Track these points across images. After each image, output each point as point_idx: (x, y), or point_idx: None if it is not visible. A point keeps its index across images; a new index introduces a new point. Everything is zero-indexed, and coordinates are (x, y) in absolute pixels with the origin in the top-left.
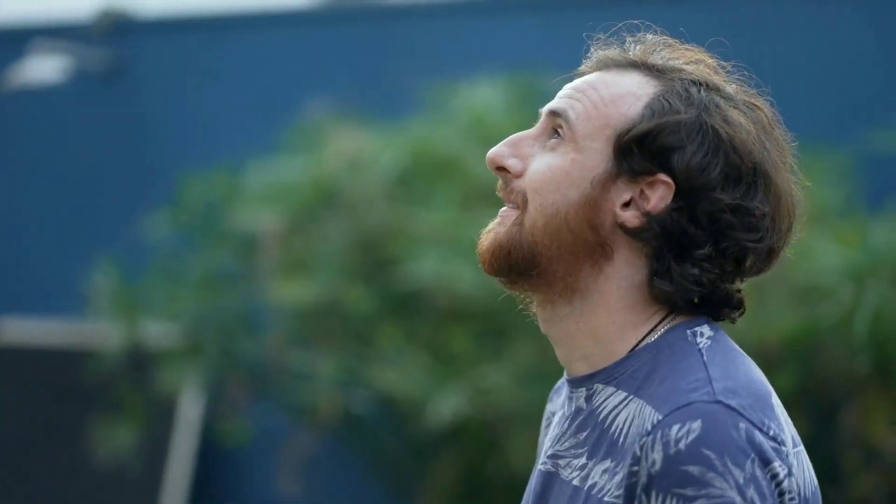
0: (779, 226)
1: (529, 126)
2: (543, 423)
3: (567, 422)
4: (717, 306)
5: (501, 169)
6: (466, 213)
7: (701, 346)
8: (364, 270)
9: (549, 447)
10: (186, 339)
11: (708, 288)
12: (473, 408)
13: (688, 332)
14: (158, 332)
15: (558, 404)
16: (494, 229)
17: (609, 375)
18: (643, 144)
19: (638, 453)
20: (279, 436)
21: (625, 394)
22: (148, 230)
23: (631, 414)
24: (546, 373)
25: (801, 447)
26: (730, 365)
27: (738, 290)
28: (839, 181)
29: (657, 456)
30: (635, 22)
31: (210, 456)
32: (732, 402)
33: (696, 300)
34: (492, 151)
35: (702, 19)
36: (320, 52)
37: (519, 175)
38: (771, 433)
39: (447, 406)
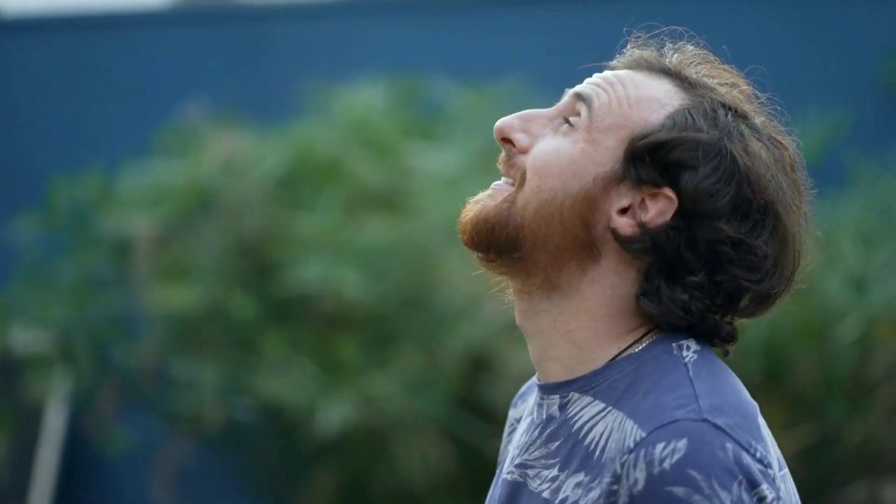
0: (781, 271)
1: (412, 129)
2: (506, 430)
3: (537, 430)
4: (703, 336)
5: (507, 141)
6: (350, 217)
7: (687, 360)
8: (245, 276)
9: (517, 455)
10: (56, 345)
11: (695, 317)
12: (360, 416)
13: (673, 345)
14: (27, 338)
15: (524, 410)
16: (483, 201)
17: (586, 384)
18: (656, 154)
19: (619, 471)
20: (155, 446)
21: (603, 404)
22: (15, 233)
23: (609, 426)
24: (433, 380)
25: (787, 470)
26: (716, 381)
27: (730, 323)
28: None
29: (640, 475)
30: (678, 28)
31: (80, 466)
32: (719, 421)
33: (681, 326)
34: (502, 121)
35: (595, 20)
36: (197, 53)
37: (524, 151)
38: (758, 455)
39: (334, 414)
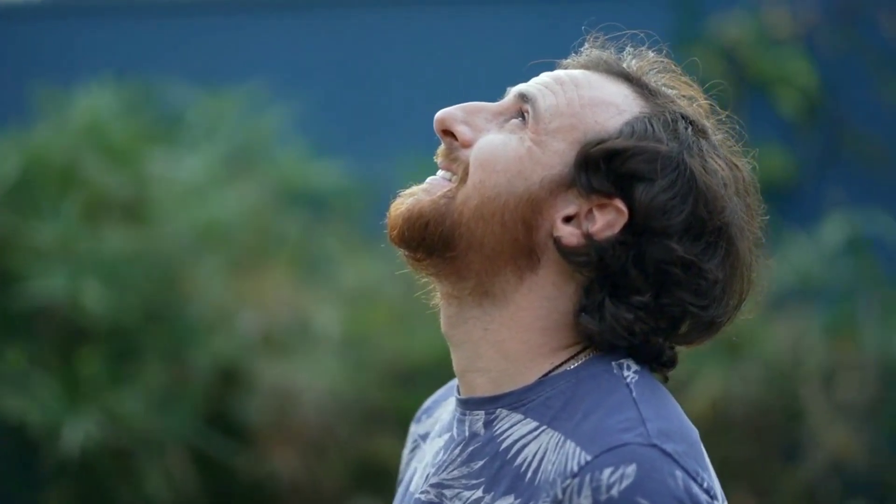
0: (728, 299)
1: (150, 134)
2: (408, 447)
3: (458, 448)
4: (643, 358)
5: (448, 133)
6: (89, 225)
7: (629, 380)
8: None
9: (433, 474)
10: None
11: (638, 338)
12: (104, 434)
13: (613, 364)
14: None
15: (431, 425)
16: (417, 195)
17: (516, 400)
18: (611, 162)
19: (559, 496)
20: None
21: (535, 423)
22: None
23: (543, 447)
24: (181, 396)
25: (726, 502)
26: (660, 404)
27: (671, 347)
28: None
29: (585, 502)
30: (640, 33)
31: None
32: (668, 448)
33: (622, 346)
34: (444, 112)
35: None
36: None
37: (467, 144)
38: (705, 485)
39: (76, 432)
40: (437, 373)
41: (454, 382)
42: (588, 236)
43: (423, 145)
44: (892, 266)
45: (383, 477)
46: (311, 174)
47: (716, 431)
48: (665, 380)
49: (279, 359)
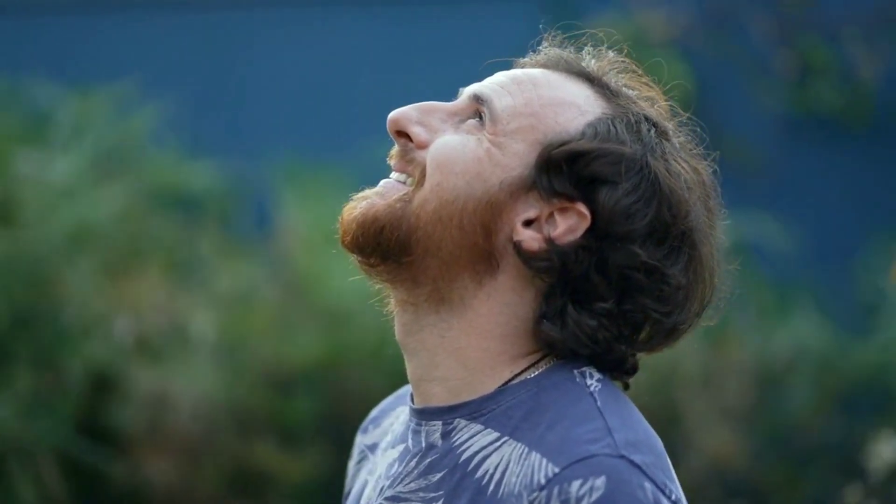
0: (690, 305)
1: (14, 134)
2: (354, 458)
3: (414, 459)
4: (605, 366)
5: (403, 135)
6: None
7: (592, 389)
8: None
9: (388, 486)
10: None
11: (601, 346)
12: None
13: (575, 372)
14: None
15: (379, 435)
16: (371, 199)
17: (475, 410)
18: (574, 165)
19: None
20: None
21: (496, 433)
22: None
23: (505, 458)
24: (52, 402)
25: None
26: (625, 413)
27: (633, 354)
28: (347, 197)
29: None
30: (598, 32)
31: None
32: (636, 459)
33: (584, 355)
34: (398, 112)
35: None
36: None
37: (422, 146)
38: (673, 496)
39: None
40: (316, 378)
41: (404, 391)
42: (549, 241)
43: (297, 145)
44: (769, 270)
45: (259, 483)
46: (184, 176)
47: None
48: (626, 387)
49: (154, 364)
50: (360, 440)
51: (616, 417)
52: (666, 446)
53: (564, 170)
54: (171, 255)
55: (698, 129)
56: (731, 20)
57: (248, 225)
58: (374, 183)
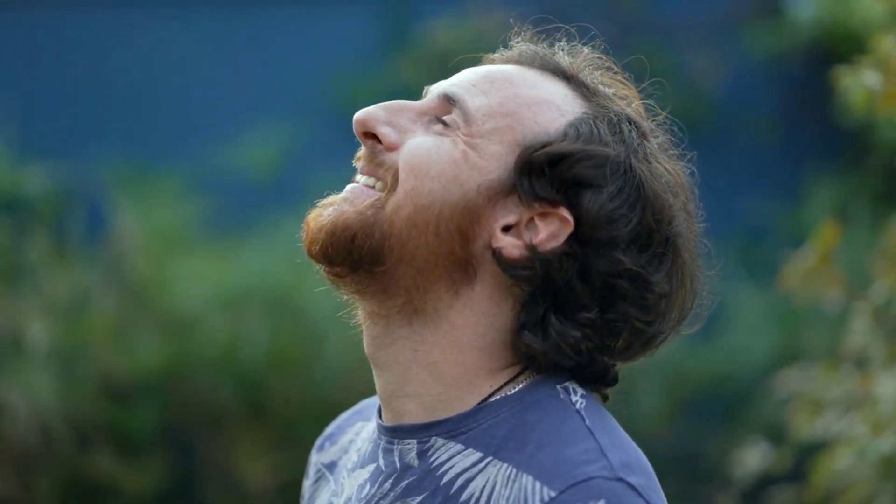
0: (670, 314)
1: None
2: (310, 478)
3: (388, 481)
4: (587, 379)
5: (370, 136)
6: None
7: (578, 406)
8: None
9: None
10: None
11: (585, 358)
12: None
13: (558, 387)
14: None
15: (340, 454)
16: (337, 205)
17: (453, 428)
18: (557, 167)
19: None
20: None
21: (479, 454)
22: None
23: (492, 480)
24: None
25: None
26: (612, 432)
27: (614, 364)
28: (184, 201)
29: None
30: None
31: None
32: (633, 481)
33: (566, 367)
34: (364, 112)
35: None
36: None
37: (392, 148)
38: None
39: None
40: (156, 387)
41: (362, 407)
42: (531, 248)
43: (130, 149)
44: None
45: (97, 495)
46: (14, 179)
47: None
48: (605, 399)
49: None
50: (316, 458)
51: (606, 437)
52: None
53: (546, 173)
54: (2, 261)
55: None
56: (565, 21)
57: (81, 230)
58: (212, 186)
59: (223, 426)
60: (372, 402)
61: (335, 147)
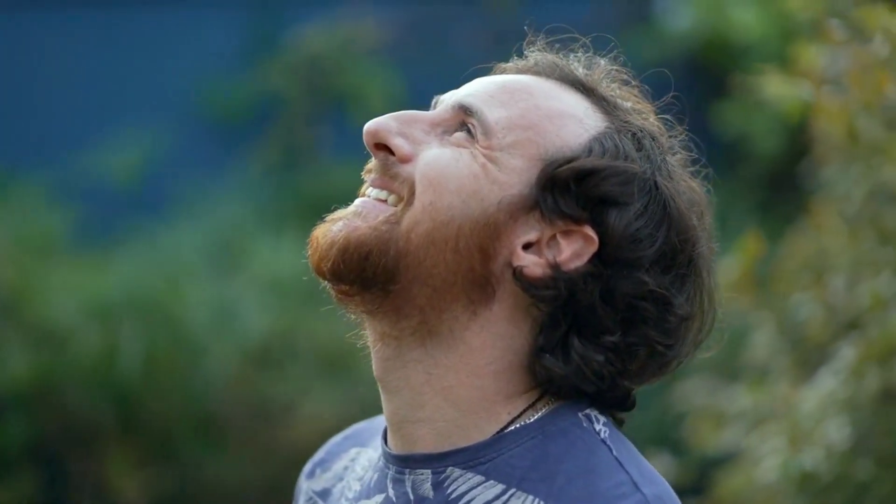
0: (689, 337)
1: None
2: None
3: None
4: (606, 404)
5: (382, 147)
6: None
7: (603, 436)
8: None
9: None
10: None
11: (606, 383)
12: None
13: (580, 415)
14: None
15: (334, 482)
16: (349, 220)
17: (471, 458)
18: (583, 184)
19: None
20: None
21: (501, 486)
22: None
23: None
24: None
25: None
26: (638, 462)
27: (632, 389)
28: (50, 209)
29: None
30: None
31: None
32: None
33: (587, 392)
34: (375, 122)
35: None
36: None
37: (406, 160)
38: None
39: None
40: (26, 400)
41: (355, 431)
42: (555, 266)
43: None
44: None
45: None
46: None
47: None
48: (620, 423)
49: None
50: (307, 486)
51: (635, 468)
52: None
53: (572, 189)
54: None
55: None
56: (441, 28)
57: None
58: (79, 194)
59: (96, 440)
60: (366, 427)
61: (202, 153)
